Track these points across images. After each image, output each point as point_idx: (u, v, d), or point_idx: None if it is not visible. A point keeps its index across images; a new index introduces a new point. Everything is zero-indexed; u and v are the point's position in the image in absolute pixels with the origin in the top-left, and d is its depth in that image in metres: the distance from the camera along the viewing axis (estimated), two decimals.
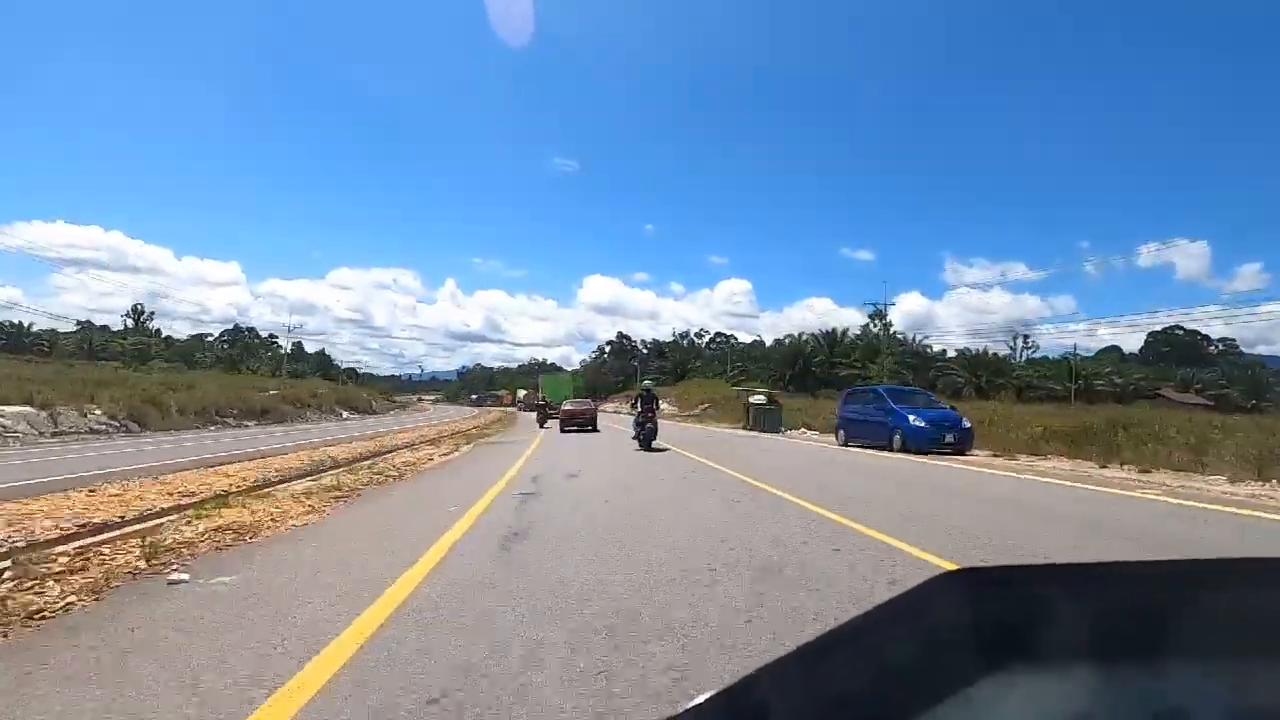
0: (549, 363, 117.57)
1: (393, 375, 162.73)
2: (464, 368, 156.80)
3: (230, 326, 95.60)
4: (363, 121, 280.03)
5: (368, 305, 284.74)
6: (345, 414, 48.53)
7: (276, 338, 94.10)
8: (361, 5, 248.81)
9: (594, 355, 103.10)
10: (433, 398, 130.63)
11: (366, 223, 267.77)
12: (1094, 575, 0.56)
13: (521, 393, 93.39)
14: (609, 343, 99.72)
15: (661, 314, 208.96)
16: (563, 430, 24.27)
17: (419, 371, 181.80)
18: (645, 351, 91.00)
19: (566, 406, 26.73)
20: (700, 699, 0.46)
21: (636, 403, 15.75)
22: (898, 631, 0.51)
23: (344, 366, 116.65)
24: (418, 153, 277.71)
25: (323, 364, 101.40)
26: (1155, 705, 0.48)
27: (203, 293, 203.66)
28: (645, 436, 14.88)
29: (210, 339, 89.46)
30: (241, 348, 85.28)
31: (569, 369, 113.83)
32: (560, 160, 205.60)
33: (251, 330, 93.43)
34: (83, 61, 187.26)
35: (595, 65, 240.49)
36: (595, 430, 24.60)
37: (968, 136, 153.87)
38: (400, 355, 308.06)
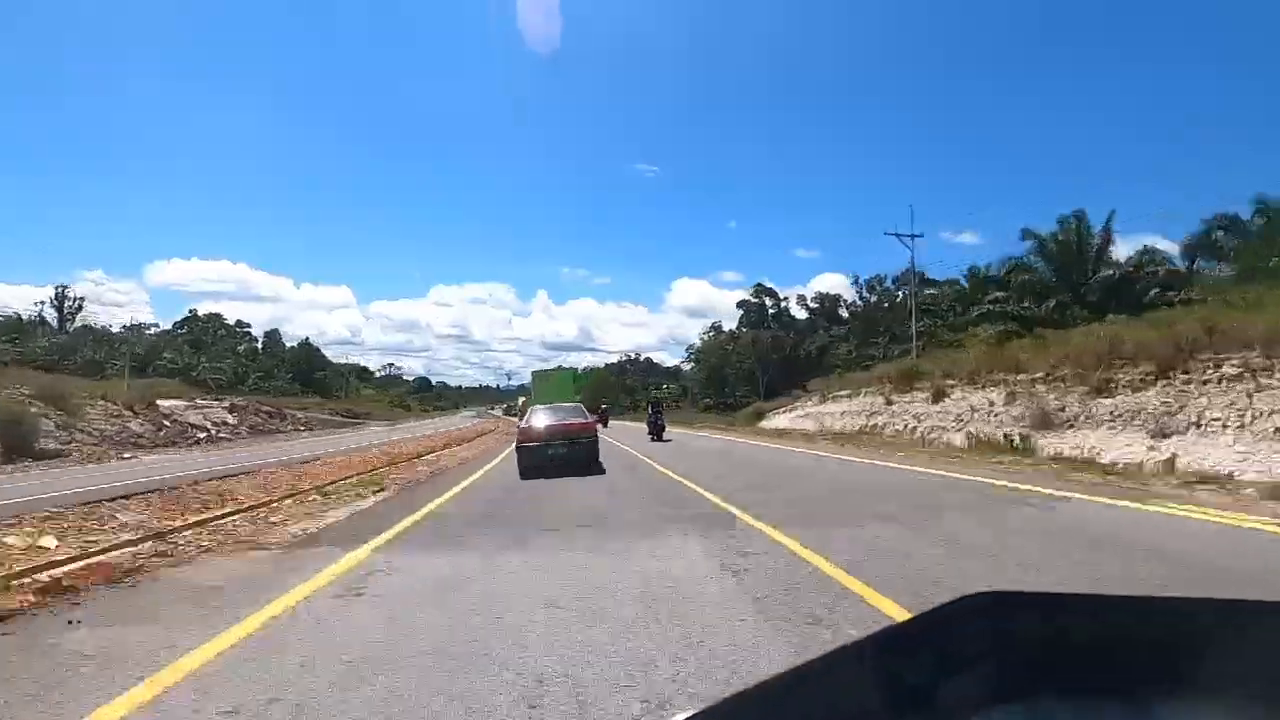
0: (643, 358, 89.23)
1: (485, 386, 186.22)
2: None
3: (187, 315, 74.36)
4: (450, 144, 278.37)
5: (466, 320, 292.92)
6: None
7: (247, 325, 77.93)
8: (440, 35, 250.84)
9: (709, 332, 60.73)
10: (522, 402, 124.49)
11: (460, 240, 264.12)
12: (1123, 607, 0.55)
13: (521, 399, 66.66)
14: (740, 304, 56.49)
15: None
16: (524, 474, 11.08)
17: (507, 380, 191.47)
18: (808, 313, 52.51)
19: (535, 420, 12.30)
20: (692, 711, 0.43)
21: (649, 408, 24.23)
22: (916, 652, 0.48)
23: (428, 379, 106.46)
24: (503, 168, 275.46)
25: (303, 359, 77.67)
26: None
27: (319, 316, 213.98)
28: (656, 431, 22.08)
29: (154, 331, 68.86)
30: (192, 342, 67.10)
31: (669, 368, 79.71)
32: (642, 166, 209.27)
33: (216, 316, 75.87)
34: (205, 112, 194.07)
35: (667, 65, 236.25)
36: (600, 472, 11.43)
37: (1074, 103, 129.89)
38: (500, 368, 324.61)
